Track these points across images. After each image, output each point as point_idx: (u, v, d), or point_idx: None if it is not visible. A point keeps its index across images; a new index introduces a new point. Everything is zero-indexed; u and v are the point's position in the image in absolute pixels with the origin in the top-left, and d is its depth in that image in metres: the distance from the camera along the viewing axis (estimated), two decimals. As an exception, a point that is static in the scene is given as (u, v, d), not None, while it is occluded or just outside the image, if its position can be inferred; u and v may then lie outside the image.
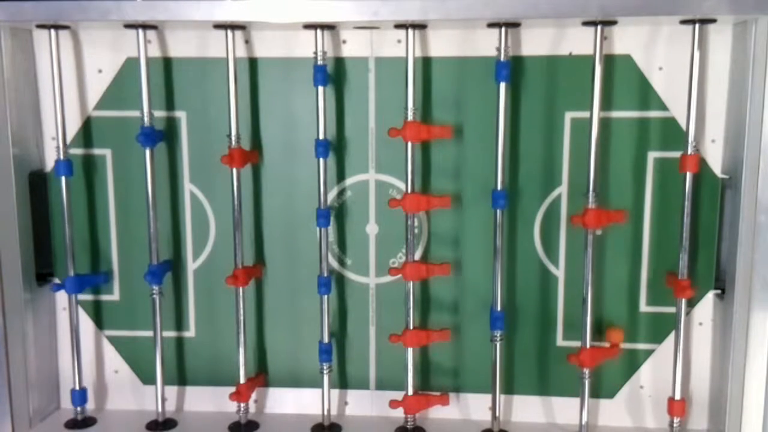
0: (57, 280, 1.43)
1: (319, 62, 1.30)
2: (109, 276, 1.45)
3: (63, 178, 1.36)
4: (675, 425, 1.32)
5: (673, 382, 1.31)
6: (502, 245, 1.32)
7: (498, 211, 1.31)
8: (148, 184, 1.36)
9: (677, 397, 1.31)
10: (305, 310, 1.42)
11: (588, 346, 1.30)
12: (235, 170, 1.34)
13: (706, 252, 1.33)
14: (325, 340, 1.37)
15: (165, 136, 1.40)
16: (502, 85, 1.27)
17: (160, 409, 1.41)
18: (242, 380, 1.38)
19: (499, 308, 1.33)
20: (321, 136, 1.32)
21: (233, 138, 1.33)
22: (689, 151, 1.25)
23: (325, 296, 1.36)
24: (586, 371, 1.31)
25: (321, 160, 1.33)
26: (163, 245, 1.42)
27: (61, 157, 1.36)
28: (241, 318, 1.37)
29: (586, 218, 1.27)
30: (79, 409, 1.42)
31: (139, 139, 1.33)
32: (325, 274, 1.36)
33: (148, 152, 1.34)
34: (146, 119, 1.34)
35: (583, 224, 1.27)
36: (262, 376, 1.44)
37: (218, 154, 1.34)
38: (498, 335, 1.34)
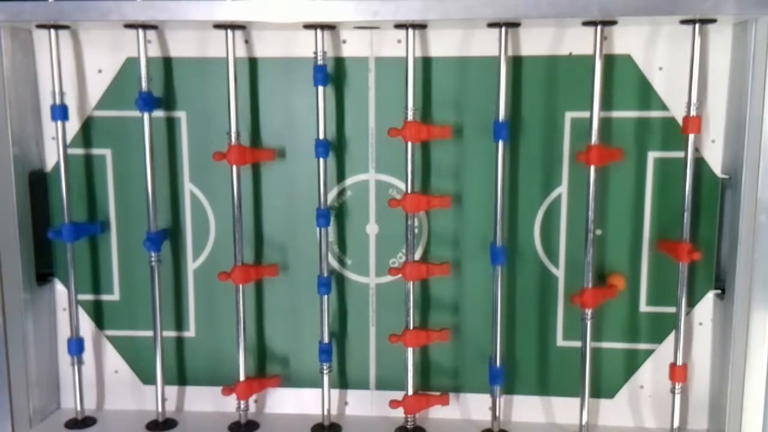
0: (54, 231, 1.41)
1: (319, 62, 1.30)
2: (104, 226, 1.43)
3: (59, 123, 1.35)
4: (677, 391, 1.31)
5: (675, 347, 1.30)
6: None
7: (498, 269, 1.31)
8: (148, 184, 1.36)
9: (679, 362, 1.30)
10: (305, 310, 1.42)
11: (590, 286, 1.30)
12: (234, 167, 1.33)
13: (706, 252, 1.33)
14: (325, 340, 1.37)
15: (162, 104, 1.39)
16: (500, 144, 1.28)
17: (160, 409, 1.41)
18: (242, 378, 1.38)
19: (498, 363, 1.33)
20: (321, 136, 1.32)
21: (233, 135, 1.33)
22: (691, 113, 1.25)
23: (325, 296, 1.36)
24: (588, 312, 1.30)
25: (321, 160, 1.33)
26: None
27: (57, 102, 1.35)
28: (241, 316, 1.37)
29: (590, 155, 1.26)
30: (79, 409, 1.42)
31: (138, 104, 1.33)
32: (325, 274, 1.36)
33: (146, 119, 1.33)
34: (144, 84, 1.33)
35: (587, 161, 1.26)
36: (277, 377, 1.43)
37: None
38: (497, 389, 1.34)
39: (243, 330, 1.38)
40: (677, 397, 1.32)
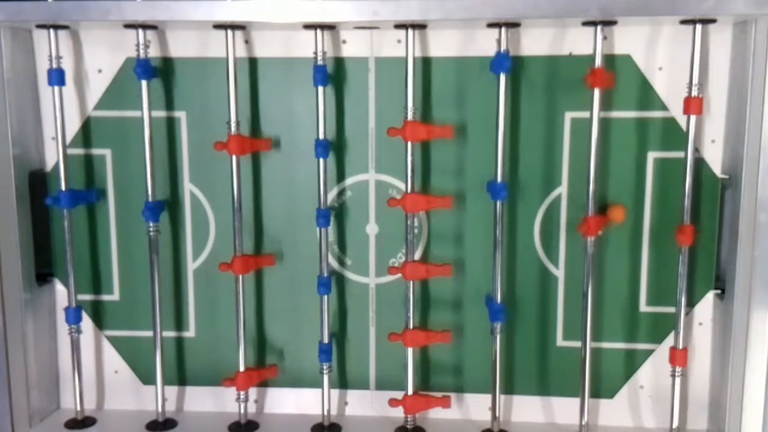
0: (52, 196, 1.40)
1: (319, 62, 1.30)
2: (101, 194, 1.43)
3: (56, 88, 1.33)
4: (677, 375, 1.31)
5: (675, 337, 1.30)
6: (502, 243, 1.32)
7: (498, 204, 1.30)
8: (149, 188, 1.36)
9: (680, 346, 1.30)
10: (305, 309, 1.42)
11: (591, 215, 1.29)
12: (234, 159, 1.33)
13: (706, 252, 1.33)
14: (325, 340, 1.37)
15: (159, 73, 1.38)
16: (502, 78, 1.26)
17: (160, 409, 1.41)
18: (241, 368, 1.38)
19: (498, 300, 1.33)
20: (321, 137, 1.32)
21: (233, 125, 1.32)
22: (693, 93, 1.24)
23: (325, 296, 1.36)
24: (590, 240, 1.29)
25: (321, 160, 1.33)
26: (163, 245, 1.42)
27: (54, 65, 1.33)
28: (241, 308, 1.37)
29: (595, 77, 1.24)
30: (79, 409, 1.42)
31: (137, 71, 1.32)
32: (325, 275, 1.36)
33: (144, 88, 1.33)
34: (142, 52, 1.32)
35: (592, 84, 1.25)
36: (274, 367, 1.42)
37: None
38: (498, 327, 1.34)
39: (243, 322, 1.38)
40: (677, 383, 1.31)
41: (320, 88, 1.31)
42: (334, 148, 1.38)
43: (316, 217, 1.34)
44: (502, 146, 1.28)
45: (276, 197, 1.42)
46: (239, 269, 1.35)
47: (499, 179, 1.29)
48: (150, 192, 1.36)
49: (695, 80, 1.24)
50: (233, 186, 1.34)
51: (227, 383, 1.37)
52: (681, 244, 1.28)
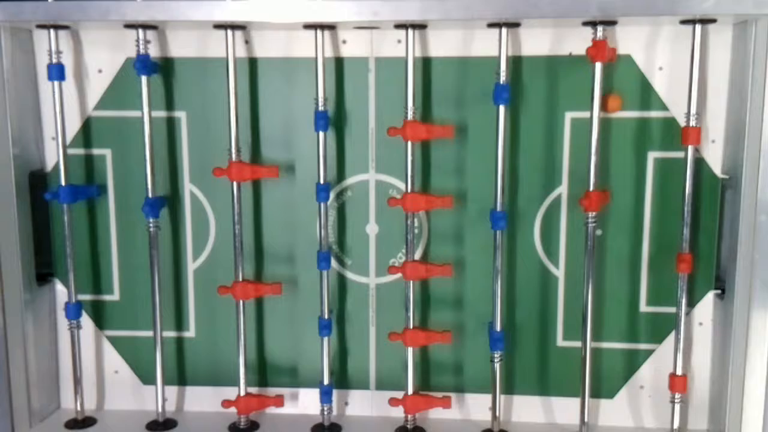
0: (51, 192, 1.39)
1: (320, 108, 1.30)
2: (101, 189, 1.43)
3: (56, 83, 1.33)
4: (676, 401, 1.31)
5: (674, 357, 1.30)
6: (502, 245, 1.32)
7: (498, 234, 1.31)
8: (148, 184, 1.36)
9: (679, 372, 1.30)
10: (306, 308, 1.42)
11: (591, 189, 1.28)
12: (235, 182, 1.33)
13: (706, 252, 1.33)
14: (326, 381, 1.37)
15: (160, 69, 1.38)
16: (501, 108, 1.27)
17: (160, 409, 1.41)
18: (242, 392, 1.38)
19: (498, 328, 1.33)
20: (322, 181, 1.32)
21: (233, 151, 1.32)
22: (691, 123, 1.25)
23: (326, 338, 1.36)
24: (591, 215, 1.28)
25: (322, 204, 1.32)
26: (163, 245, 1.42)
27: (53, 59, 1.33)
28: (242, 329, 1.37)
29: (595, 51, 1.23)
30: (79, 409, 1.42)
31: (136, 66, 1.32)
32: (326, 317, 1.35)
33: (144, 84, 1.33)
34: (141, 47, 1.32)
35: (592, 58, 1.24)
36: (280, 398, 1.42)
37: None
38: (498, 356, 1.34)
39: (243, 342, 1.37)
40: (677, 405, 1.32)
41: (321, 134, 1.30)
42: (335, 147, 1.38)
43: (317, 261, 1.34)
44: (502, 146, 1.29)
45: (277, 205, 1.41)
46: (240, 295, 1.35)
47: (498, 199, 1.29)
48: (150, 192, 1.36)
49: (693, 109, 1.24)
50: (234, 209, 1.34)
51: (226, 404, 1.37)
52: (680, 271, 1.28)
